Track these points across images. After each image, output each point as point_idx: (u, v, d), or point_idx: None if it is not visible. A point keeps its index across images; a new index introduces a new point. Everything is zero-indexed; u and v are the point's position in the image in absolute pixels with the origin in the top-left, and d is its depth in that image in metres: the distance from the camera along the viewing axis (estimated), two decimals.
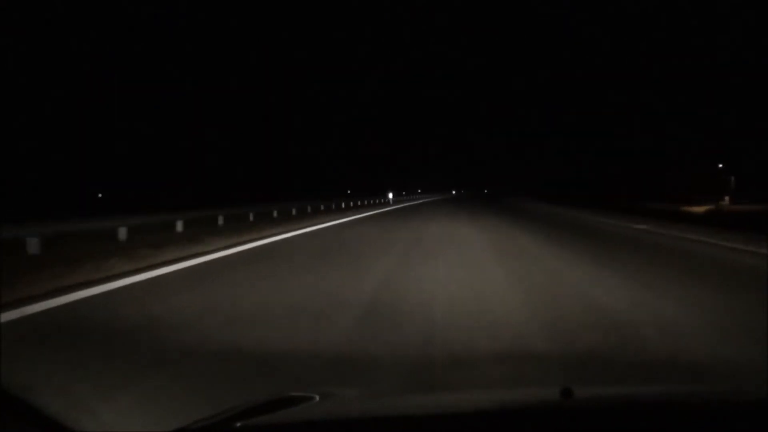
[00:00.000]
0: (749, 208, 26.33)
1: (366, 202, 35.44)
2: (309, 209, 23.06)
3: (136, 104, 51.56)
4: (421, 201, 44.95)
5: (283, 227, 13.44)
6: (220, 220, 14.31)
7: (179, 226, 12.01)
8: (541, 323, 4.01)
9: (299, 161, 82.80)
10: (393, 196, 39.99)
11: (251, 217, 16.43)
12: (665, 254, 9.04)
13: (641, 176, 36.75)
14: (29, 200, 24.06)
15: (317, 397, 1.61)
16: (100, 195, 34.77)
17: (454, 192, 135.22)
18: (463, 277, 6.09)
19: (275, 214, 18.81)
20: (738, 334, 3.83)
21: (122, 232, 10.18)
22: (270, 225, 14.30)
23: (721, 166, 37.50)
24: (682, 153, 32.56)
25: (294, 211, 21.07)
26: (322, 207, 25.52)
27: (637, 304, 4.83)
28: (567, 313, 4.31)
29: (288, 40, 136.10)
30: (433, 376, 3.06)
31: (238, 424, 1.31)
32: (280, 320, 4.09)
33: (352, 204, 31.96)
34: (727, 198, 37.66)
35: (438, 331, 3.79)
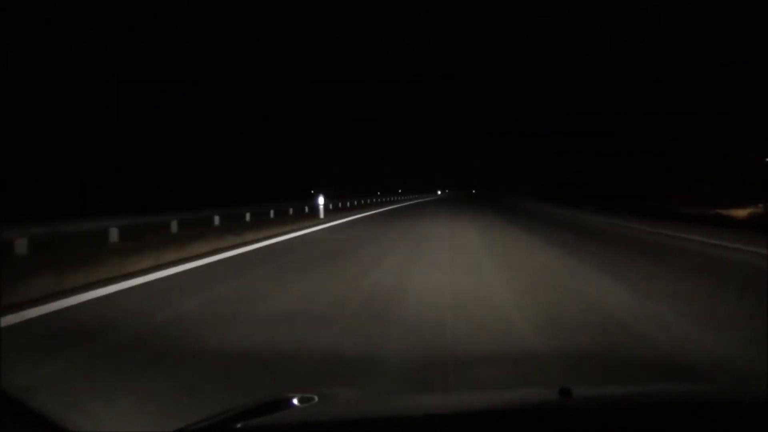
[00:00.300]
0: None
1: (286, 213, 21.36)
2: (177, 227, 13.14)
3: (136, 104, 51.59)
4: (385, 209, 30.02)
5: None
6: None
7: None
8: None
9: (298, 161, 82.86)
10: (324, 202, 22.03)
11: None
12: None
13: (645, 176, 36.54)
14: (30, 200, 24.06)
15: (316, 398, 1.61)
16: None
17: (439, 192, 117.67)
18: None
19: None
20: None
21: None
22: None
23: None
24: (682, 153, 32.50)
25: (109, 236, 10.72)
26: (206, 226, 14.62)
27: None
28: None
29: (288, 40, 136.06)
30: None
31: (238, 425, 1.31)
32: None
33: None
34: None
35: None
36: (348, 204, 32.63)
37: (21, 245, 8.68)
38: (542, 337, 3.87)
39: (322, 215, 20.27)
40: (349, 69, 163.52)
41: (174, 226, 13.57)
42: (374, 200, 43.49)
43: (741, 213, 20.79)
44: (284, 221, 17.90)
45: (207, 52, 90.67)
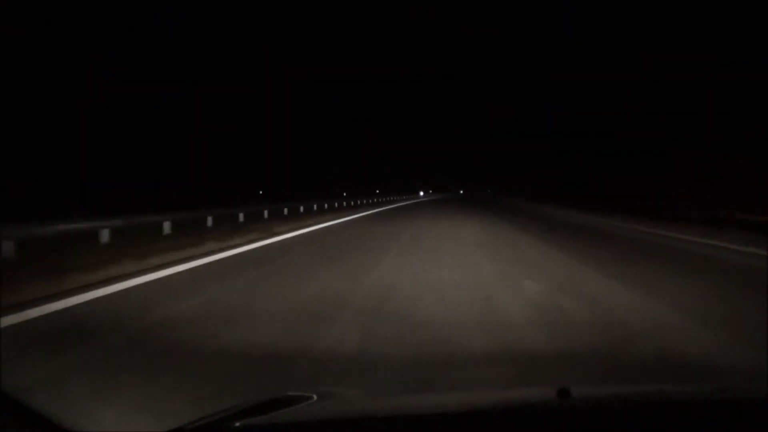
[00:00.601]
0: None
1: None
2: None
3: (136, 104, 51.59)
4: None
5: None
6: None
7: None
8: None
9: (298, 161, 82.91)
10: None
11: None
12: None
13: (645, 176, 36.39)
14: (31, 199, 24.06)
15: (315, 397, 1.62)
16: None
17: (421, 194, 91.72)
18: None
19: None
20: None
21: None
22: None
23: None
24: (683, 153, 32.40)
25: None
26: None
27: None
28: None
29: (288, 40, 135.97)
30: None
31: (237, 424, 1.31)
32: None
33: None
34: None
35: None
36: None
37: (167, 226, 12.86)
38: None
39: None
40: (349, 69, 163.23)
41: None
42: (319, 208, 27.86)
43: None
44: None
45: (207, 52, 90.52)
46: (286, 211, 24.02)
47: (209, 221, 16.29)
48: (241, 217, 18.61)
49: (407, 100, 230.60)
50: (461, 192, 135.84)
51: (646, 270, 7.42)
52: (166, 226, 13.03)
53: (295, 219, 21.20)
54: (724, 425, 1.24)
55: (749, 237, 10.82)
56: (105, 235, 10.73)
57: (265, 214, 21.36)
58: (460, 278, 6.66)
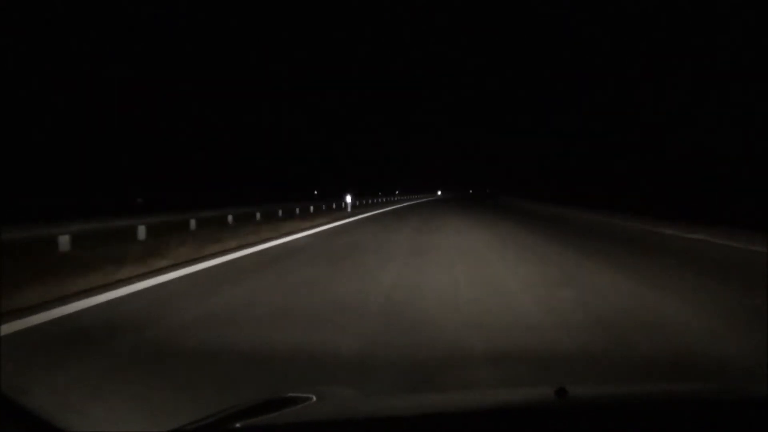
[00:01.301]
0: None
1: None
2: None
3: (135, 104, 51.52)
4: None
5: None
6: None
7: None
8: None
9: (297, 161, 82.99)
10: None
11: None
12: None
13: (645, 177, 36.36)
14: (33, 200, 24.04)
15: (314, 398, 1.61)
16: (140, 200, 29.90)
17: (348, 199, 38.22)
18: None
19: None
20: None
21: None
22: None
23: None
24: (682, 153, 32.38)
25: None
26: None
27: None
28: None
29: (288, 40, 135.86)
30: None
31: (237, 425, 1.31)
32: None
33: None
34: None
35: None
36: None
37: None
38: None
39: None
40: (349, 69, 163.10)
41: None
42: None
43: None
44: None
45: (207, 52, 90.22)
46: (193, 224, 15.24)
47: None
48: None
49: (407, 100, 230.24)
50: (438, 193, 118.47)
51: None
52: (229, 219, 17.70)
53: None
54: (724, 425, 1.24)
55: None
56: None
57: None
58: None
